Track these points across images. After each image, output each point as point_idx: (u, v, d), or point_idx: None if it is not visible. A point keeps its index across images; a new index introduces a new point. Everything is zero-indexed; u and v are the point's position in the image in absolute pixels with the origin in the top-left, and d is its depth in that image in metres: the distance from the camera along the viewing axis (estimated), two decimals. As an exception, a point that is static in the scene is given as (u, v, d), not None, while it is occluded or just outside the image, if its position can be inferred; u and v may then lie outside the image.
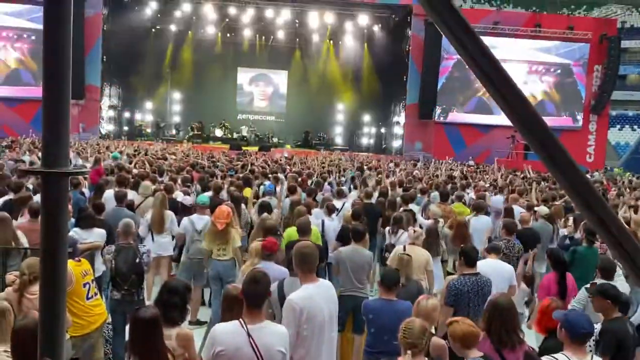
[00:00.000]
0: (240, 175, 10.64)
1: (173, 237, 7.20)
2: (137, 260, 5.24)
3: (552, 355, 3.37)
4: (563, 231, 7.73)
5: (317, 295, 3.60)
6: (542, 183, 12.74)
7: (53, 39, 0.82)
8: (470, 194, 10.06)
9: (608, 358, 3.75)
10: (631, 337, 3.98)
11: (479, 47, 0.75)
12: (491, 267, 5.15)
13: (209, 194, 7.96)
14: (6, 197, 7.23)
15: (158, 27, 29.76)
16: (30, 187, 7.78)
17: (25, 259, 4.88)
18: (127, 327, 3.32)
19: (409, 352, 3.16)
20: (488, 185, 11.98)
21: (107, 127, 26.54)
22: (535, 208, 8.27)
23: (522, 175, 14.65)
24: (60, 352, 0.87)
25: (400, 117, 27.57)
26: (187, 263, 6.71)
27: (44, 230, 0.85)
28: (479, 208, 7.84)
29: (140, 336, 3.06)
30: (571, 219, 7.83)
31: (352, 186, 10.82)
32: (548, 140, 0.73)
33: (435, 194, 9.20)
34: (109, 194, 7.71)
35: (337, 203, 8.19)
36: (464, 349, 3.25)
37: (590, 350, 3.61)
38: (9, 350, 3.23)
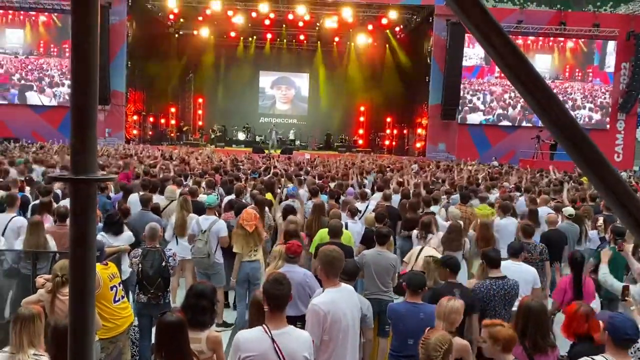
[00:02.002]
0: (264, 178, 10.71)
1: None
2: (164, 263, 5.30)
3: (592, 357, 3.28)
4: (593, 233, 7.58)
5: (340, 300, 3.58)
6: (570, 183, 12.51)
7: (81, 47, 0.83)
8: (495, 195, 9.93)
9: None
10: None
11: (509, 47, 0.73)
12: (513, 270, 5.07)
13: (232, 197, 8.06)
14: (36, 202, 7.43)
15: (181, 32, 30.13)
16: (59, 192, 7.95)
17: (55, 262, 4.99)
18: (154, 330, 3.36)
19: None
20: (513, 186, 11.81)
21: (132, 132, 26.94)
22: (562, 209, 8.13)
23: (548, 177, 14.40)
24: (90, 357, 0.87)
25: (423, 118, 27.39)
26: (194, 262, 6.85)
27: (73, 236, 0.86)
28: (506, 209, 7.72)
29: (166, 340, 3.09)
30: (601, 219, 7.67)
31: (375, 188, 10.78)
32: (580, 140, 0.71)
33: (455, 196, 9.12)
34: (133, 197, 7.84)
35: (360, 205, 8.18)
36: (503, 353, 3.17)
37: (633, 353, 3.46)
38: (39, 353, 3.30)
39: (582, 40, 26.46)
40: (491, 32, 0.73)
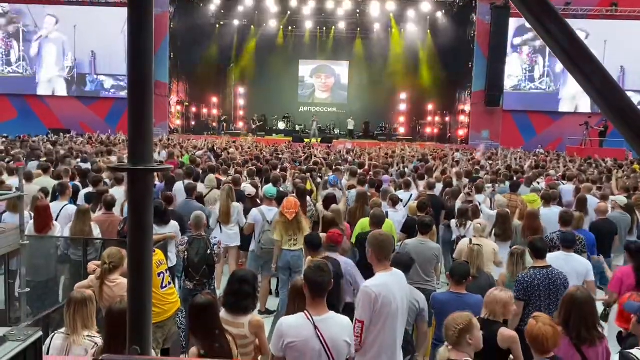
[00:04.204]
0: (304, 167, 10.76)
1: (241, 228, 7.40)
2: (209, 251, 5.42)
3: (629, 351, 3.19)
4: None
5: (391, 283, 3.63)
6: (620, 172, 12.07)
7: (137, 43, 0.85)
8: (541, 184, 9.69)
9: None
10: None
11: (566, 32, 0.71)
12: (562, 261, 4.93)
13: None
14: (86, 190, 7.72)
15: (222, 22, 30.43)
16: (108, 181, 8.21)
17: (103, 249, 5.17)
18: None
19: (446, 343, 3.16)
20: (560, 174, 11.49)
21: (175, 122, 27.50)
22: (612, 198, 7.86)
23: (595, 165, 13.92)
24: (148, 341, 0.91)
25: (466, 105, 26.88)
26: (258, 252, 6.88)
27: (131, 223, 0.89)
28: (550, 198, 7.53)
29: (197, 321, 3.21)
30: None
31: (416, 177, 10.68)
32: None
33: (503, 184, 8.94)
34: (178, 185, 8.02)
35: (403, 194, 8.13)
36: (535, 353, 3.11)
37: None
38: (92, 335, 3.44)
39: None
40: (546, 16, 0.71)
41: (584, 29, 22.85)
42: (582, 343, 3.38)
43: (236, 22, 30.26)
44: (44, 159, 10.60)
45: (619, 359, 3.21)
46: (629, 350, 3.20)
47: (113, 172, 7.98)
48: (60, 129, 23.43)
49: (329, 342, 3.11)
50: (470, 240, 5.56)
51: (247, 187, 8.12)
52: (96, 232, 6.05)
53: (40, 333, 0.80)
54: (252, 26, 30.67)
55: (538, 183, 9.80)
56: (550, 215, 7.18)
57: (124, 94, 25.72)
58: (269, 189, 7.24)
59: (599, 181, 10.04)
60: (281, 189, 7.92)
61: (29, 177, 7.61)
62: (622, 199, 7.53)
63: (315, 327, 3.10)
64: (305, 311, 3.19)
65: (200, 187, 8.14)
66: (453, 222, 6.94)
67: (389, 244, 3.73)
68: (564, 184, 9.87)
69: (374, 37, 30.96)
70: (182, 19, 26.84)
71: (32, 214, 6.14)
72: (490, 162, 14.53)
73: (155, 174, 8.75)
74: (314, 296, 3.20)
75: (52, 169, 8.82)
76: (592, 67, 0.70)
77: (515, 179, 9.43)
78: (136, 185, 0.88)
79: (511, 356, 3.53)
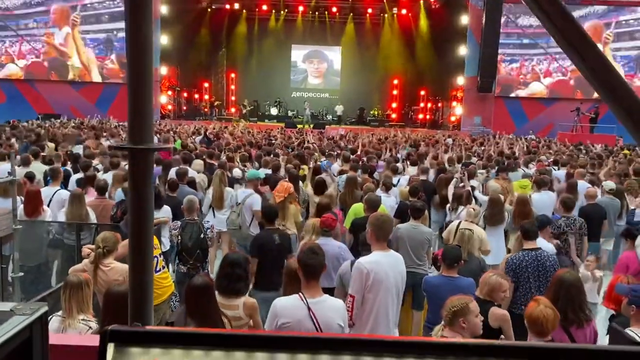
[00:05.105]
0: (296, 152, 10.76)
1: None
2: (202, 235, 5.44)
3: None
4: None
5: (385, 262, 3.71)
6: (611, 158, 12.17)
7: (136, 27, 0.86)
8: (532, 169, 9.76)
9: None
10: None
11: (560, 11, 0.72)
12: None
13: (267, 170, 8.13)
14: (78, 175, 7.68)
15: (213, 7, 30.10)
16: (100, 166, 8.17)
17: (97, 234, 5.17)
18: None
19: (443, 322, 3.25)
20: (550, 160, 11.57)
21: (166, 108, 27.29)
22: (602, 183, 7.95)
23: (585, 151, 14.02)
24: (149, 318, 0.93)
25: (458, 91, 26.86)
26: (231, 233, 7.02)
27: (132, 203, 0.90)
28: (542, 184, 7.59)
29: (194, 302, 3.23)
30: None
31: (408, 163, 10.72)
32: (633, 104, 0.70)
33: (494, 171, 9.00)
34: (173, 171, 8.03)
35: (393, 179, 8.16)
36: (533, 334, 3.16)
37: None
38: (87, 319, 3.46)
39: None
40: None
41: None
42: (570, 325, 3.44)
43: (227, 6, 29.93)
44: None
45: (609, 331, 3.28)
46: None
47: (113, 150, 8.00)
48: (50, 114, 23.20)
49: (322, 325, 3.15)
50: (459, 223, 5.60)
51: (235, 171, 8.15)
52: (92, 216, 6.04)
53: (46, 307, 0.82)
54: (244, 10, 30.36)
55: (530, 168, 9.86)
56: (542, 200, 7.25)
57: (114, 79, 25.52)
58: (251, 172, 7.33)
59: (592, 167, 10.11)
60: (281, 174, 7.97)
61: (26, 162, 7.61)
62: (609, 184, 7.60)
63: (309, 309, 3.14)
64: (300, 293, 3.24)
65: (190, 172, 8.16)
66: (447, 206, 7.02)
67: (388, 226, 3.86)
68: (555, 169, 9.94)
69: (367, 22, 30.77)
70: (173, 3, 26.51)
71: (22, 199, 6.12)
72: (483, 147, 14.59)
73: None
74: (308, 279, 3.25)
75: (42, 154, 8.75)
76: (585, 46, 0.72)
77: (506, 164, 9.48)
78: (137, 165, 0.89)
79: (502, 336, 3.60)
